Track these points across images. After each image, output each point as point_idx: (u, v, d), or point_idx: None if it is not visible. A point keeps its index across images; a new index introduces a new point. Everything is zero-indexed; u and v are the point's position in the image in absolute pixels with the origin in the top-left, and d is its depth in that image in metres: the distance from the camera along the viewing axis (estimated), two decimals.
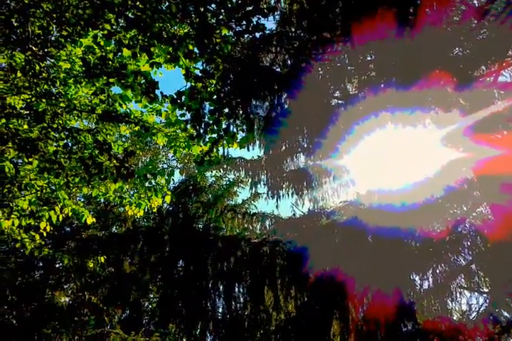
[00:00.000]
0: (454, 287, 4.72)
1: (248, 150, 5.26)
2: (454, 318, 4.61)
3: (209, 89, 4.89)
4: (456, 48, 4.53)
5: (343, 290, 4.41)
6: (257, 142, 5.87)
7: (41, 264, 12.13)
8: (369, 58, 5.08)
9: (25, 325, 11.64)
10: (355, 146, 5.48)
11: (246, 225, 6.88)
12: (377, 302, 4.35)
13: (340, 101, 5.29)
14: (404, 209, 4.64)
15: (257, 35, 4.81)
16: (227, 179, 14.56)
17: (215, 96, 4.97)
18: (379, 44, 4.48)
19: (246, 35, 4.49)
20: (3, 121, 4.27)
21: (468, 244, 4.69)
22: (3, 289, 11.58)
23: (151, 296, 13.17)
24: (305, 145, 5.83)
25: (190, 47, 4.41)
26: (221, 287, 5.73)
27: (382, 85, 5.13)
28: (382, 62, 4.85)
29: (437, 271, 4.80)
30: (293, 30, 5.14)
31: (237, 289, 5.29)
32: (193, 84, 4.78)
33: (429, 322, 4.33)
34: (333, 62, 5.16)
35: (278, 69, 5.04)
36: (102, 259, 7.01)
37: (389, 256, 4.37)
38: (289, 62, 5.09)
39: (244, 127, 5.46)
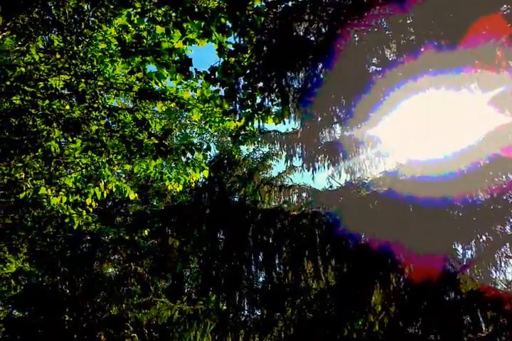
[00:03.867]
0: (498, 256, 4.64)
1: (284, 123, 5.23)
2: (499, 288, 4.56)
3: (242, 63, 4.84)
4: None
5: (384, 260, 4.43)
6: (292, 115, 5.81)
7: (88, 238, 12.79)
8: (409, 21, 4.82)
9: (77, 295, 12.46)
10: (393, 114, 5.33)
11: (283, 198, 6.94)
12: (419, 271, 4.35)
13: (378, 68, 5.11)
14: (447, 177, 4.52)
15: (290, 3, 4.67)
16: (261, 152, 14.58)
17: (248, 71, 4.92)
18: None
19: (278, 5, 4.38)
20: (47, 102, 4.42)
21: None
22: (55, 261, 12.36)
23: (192, 266, 13.68)
24: (341, 116, 5.71)
25: (223, 20, 4.35)
26: (261, 258, 5.88)
27: (423, 49, 4.90)
28: (421, 19, 4.59)
29: (481, 240, 4.71)
30: None
31: (277, 260, 5.41)
32: (226, 59, 4.75)
33: (472, 292, 4.31)
34: (370, 27, 4.94)
35: (312, 39, 4.89)
36: (146, 232, 7.34)
37: (431, 226, 4.32)
38: (323, 30, 4.91)
39: (279, 100, 5.42)
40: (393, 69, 5.02)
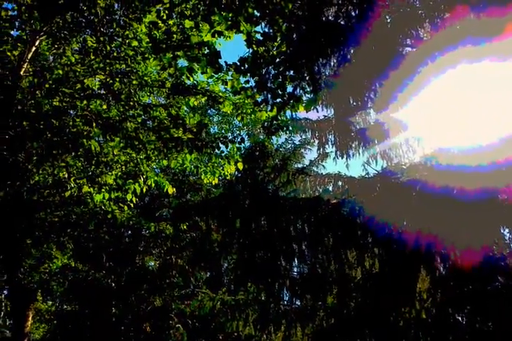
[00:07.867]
0: None
1: (317, 111, 5.15)
2: None
3: (271, 52, 4.80)
4: None
5: (428, 246, 4.32)
6: (324, 102, 5.72)
7: (130, 232, 13.17)
8: None
9: (122, 288, 12.89)
10: (430, 97, 5.14)
11: (318, 187, 6.86)
12: (466, 258, 4.21)
13: (412, 49, 4.94)
14: (491, 166, 4.33)
15: None
16: (292, 142, 14.48)
17: (278, 59, 4.87)
18: None
19: None
20: (85, 102, 4.54)
21: None
22: (100, 256, 12.81)
23: (230, 258, 13.84)
24: (375, 101, 5.58)
25: (250, 10, 4.31)
26: (298, 247, 5.87)
27: (458, 27, 4.69)
28: None
29: None
30: None
31: (319, 249, 5.38)
32: (255, 49, 4.71)
33: None
34: (402, 7, 4.77)
35: (343, 23, 4.77)
36: (184, 226, 7.49)
37: (476, 211, 4.17)
38: (353, 13, 4.78)
39: (310, 89, 5.34)
40: (427, 50, 4.83)
